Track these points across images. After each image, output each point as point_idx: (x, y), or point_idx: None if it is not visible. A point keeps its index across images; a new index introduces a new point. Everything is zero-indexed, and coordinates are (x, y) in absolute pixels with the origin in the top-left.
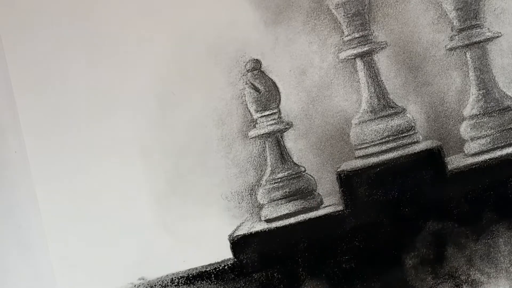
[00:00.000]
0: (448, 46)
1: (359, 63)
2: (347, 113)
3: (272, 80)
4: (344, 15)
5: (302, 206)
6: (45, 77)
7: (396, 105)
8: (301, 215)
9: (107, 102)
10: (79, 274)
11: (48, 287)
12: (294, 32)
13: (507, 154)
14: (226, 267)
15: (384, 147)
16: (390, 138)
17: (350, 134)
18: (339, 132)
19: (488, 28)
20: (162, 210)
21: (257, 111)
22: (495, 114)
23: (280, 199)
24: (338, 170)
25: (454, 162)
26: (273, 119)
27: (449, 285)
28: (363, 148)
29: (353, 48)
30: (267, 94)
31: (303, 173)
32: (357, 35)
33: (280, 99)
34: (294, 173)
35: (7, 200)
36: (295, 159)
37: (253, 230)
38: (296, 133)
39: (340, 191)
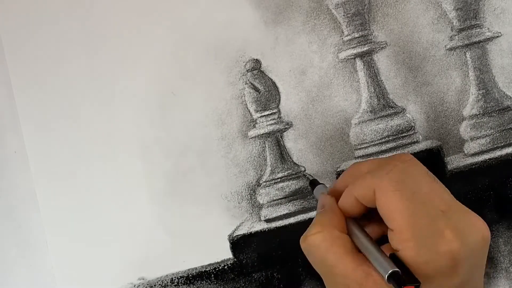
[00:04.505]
0: (448, 46)
1: (359, 63)
2: (347, 113)
3: (272, 80)
4: (344, 15)
5: (302, 206)
6: (45, 77)
7: (396, 105)
8: (301, 215)
9: (107, 102)
10: (79, 274)
11: (48, 287)
12: (294, 32)
13: (507, 154)
14: (226, 267)
15: (384, 147)
16: (390, 138)
17: (350, 134)
18: (339, 132)
19: (488, 28)
20: (162, 210)
21: (257, 111)
22: (495, 114)
23: (280, 199)
24: (338, 170)
25: (454, 162)
26: (273, 119)
27: None
28: (363, 148)
29: (353, 48)
30: (267, 94)
31: (303, 173)
32: (357, 35)
33: (280, 99)
34: (294, 173)
35: (7, 200)
36: (295, 159)
37: (253, 230)
38: (296, 133)
39: None
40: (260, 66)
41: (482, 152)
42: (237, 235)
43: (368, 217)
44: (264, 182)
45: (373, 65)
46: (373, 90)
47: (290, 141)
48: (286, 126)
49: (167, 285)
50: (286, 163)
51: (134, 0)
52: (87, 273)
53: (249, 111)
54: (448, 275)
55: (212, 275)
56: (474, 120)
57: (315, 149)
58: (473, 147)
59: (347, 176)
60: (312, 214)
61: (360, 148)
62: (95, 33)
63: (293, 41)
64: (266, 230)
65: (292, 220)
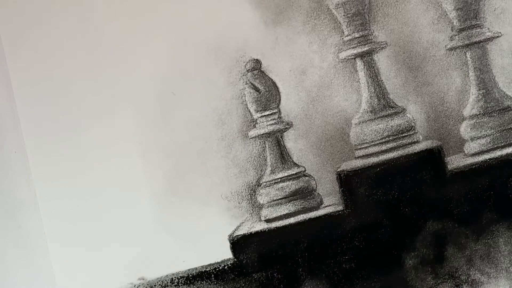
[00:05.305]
0: (448, 46)
1: (359, 63)
2: (347, 113)
3: (272, 80)
4: (344, 15)
5: (302, 206)
6: (45, 77)
7: (396, 105)
8: (301, 215)
9: (107, 102)
10: (79, 274)
11: (48, 287)
12: (294, 32)
13: (507, 154)
14: (226, 267)
15: (384, 147)
16: (390, 138)
17: (350, 134)
18: (339, 132)
19: (488, 28)
20: (162, 210)
21: (257, 111)
22: (495, 114)
23: (280, 199)
24: (338, 170)
25: (454, 162)
26: (273, 119)
27: (449, 285)
28: (363, 148)
29: (353, 48)
30: (267, 94)
31: (303, 173)
32: (357, 35)
33: (280, 99)
34: (294, 173)
35: (7, 200)
36: (295, 159)
37: (253, 230)
38: (296, 133)
39: (340, 191)
40: (260, 66)
41: (482, 152)
42: (237, 235)
43: None
44: (264, 182)
45: (373, 65)
46: (373, 90)
47: (290, 141)
48: (286, 126)
49: (167, 285)
50: (286, 163)
51: (134, 1)
52: (87, 273)
53: (249, 111)
54: None
55: (212, 275)
56: (474, 120)
57: (315, 149)
58: (474, 147)
59: None
60: (312, 214)
61: (360, 148)
62: (95, 34)
63: (293, 41)
64: (266, 230)
65: (292, 220)
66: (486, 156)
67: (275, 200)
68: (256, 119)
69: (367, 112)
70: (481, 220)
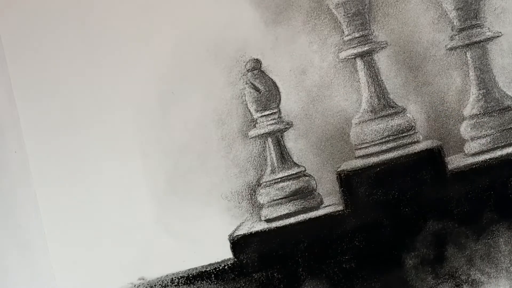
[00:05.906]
0: (449, 46)
1: (359, 63)
2: (347, 112)
3: (272, 80)
4: (344, 15)
5: (302, 206)
6: (45, 77)
7: (396, 104)
8: (301, 215)
9: (107, 102)
10: (79, 274)
11: (48, 287)
12: (294, 32)
13: (507, 154)
14: (226, 267)
15: (384, 147)
16: (390, 138)
17: (350, 134)
18: (339, 132)
19: (489, 28)
20: (162, 210)
21: (257, 111)
22: (495, 114)
23: (280, 199)
24: (338, 170)
25: (454, 162)
26: (273, 119)
27: (449, 285)
28: (363, 148)
29: (353, 47)
30: (267, 93)
31: (303, 173)
32: (357, 35)
33: (280, 99)
34: (294, 173)
35: (7, 200)
36: (295, 159)
37: (253, 230)
38: (296, 133)
39: (340, 191)
40: (260, 66)
41: (482, 152)
42: (237, 235)
43: None
44: (265, 182)
45: (373, 65)
46: (373, 90)
47: (291, 141)
48: (287, 126)
49: (167, 285)
50: (286, 163)
51: (134, 1)
52: (87, 273)
53: (250, 111)
54: None
55: (212, 275)
56: (474, 120)
57: (316, 149)
58: (474, 147)
59: None
60: (312, 214)
61: (360, 148)
62: (95, 34)
63: (293, 41)
64: (266, 230)
65: (292, 220)
66: (486, 156)
67: (275, 200)
68: (256, 119)
69: (367, 112)
70: (481, 220)
